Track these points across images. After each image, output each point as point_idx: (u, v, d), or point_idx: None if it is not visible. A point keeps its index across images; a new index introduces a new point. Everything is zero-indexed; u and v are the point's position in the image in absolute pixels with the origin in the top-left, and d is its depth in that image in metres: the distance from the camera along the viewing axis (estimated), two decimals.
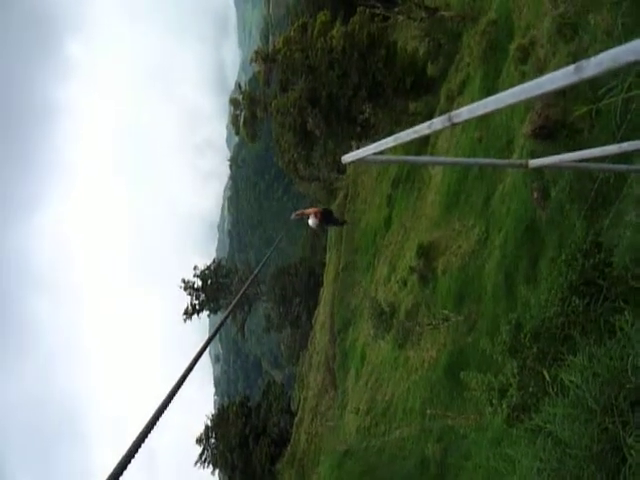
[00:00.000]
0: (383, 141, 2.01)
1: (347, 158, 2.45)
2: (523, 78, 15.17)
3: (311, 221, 19.43)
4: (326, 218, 20.65)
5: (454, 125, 1.61)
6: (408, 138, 1.86)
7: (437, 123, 1.69)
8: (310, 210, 20.00)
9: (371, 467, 19.14)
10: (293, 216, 20.58)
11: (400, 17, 31.45)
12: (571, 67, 1.08)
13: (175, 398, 3.41)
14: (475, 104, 1.47)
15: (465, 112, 1.54)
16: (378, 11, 30.63)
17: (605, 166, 3.87)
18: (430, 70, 28.20)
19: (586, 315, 5.81)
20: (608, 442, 4.10)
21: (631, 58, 0.96)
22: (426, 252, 20.30)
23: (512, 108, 14.92)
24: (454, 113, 1.57)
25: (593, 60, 1.02)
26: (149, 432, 2.84)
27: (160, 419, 3.04)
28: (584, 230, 8.79)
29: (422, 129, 1.76)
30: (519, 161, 2.94)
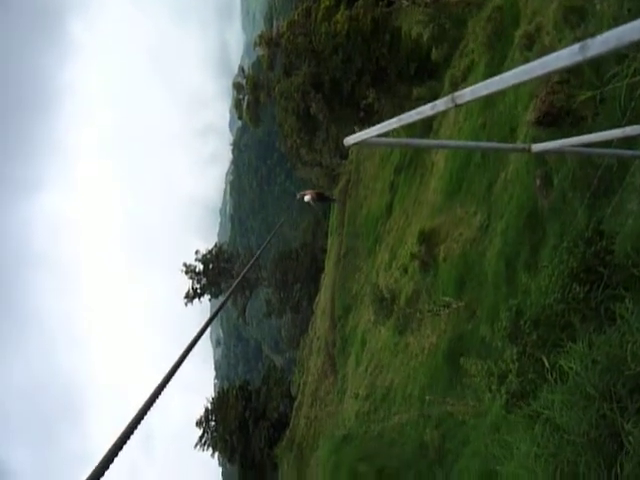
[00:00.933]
0: (386, 122, 2.01)
1: (350, 140, 2.44)
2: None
3: (307, 197, 28.84)
4: (320, 197, 31.24)
5: (457, 106, 1.60)
6: (411, 120, 1.85)
7: (440, 104, 1.68)
8: (309, 191, 29.61)
9: (370, 452, 19.25)
10: (298, 196, 29.87)
11: (404, 2, 31.18)
12: (576, 46, 1.07)
13: (172, 380, 3.43)
14: (478, 84, 1.45)
15: (468, 93, 1.53)
16: None
17: (609, 151, 3.85)
18: (434, 56, 28.00)
19: (586, 302, 5.81)
20: (606, 428, 4.12)
21: (636, 36, 0.95)
22: (427, 239, 20.27)
23: (516, 95, 14.83)
24: (457, 94, 1.56)
25: (599, 38, 1.01)
26: (145, 414, 2.86)
27: (157, 400, 3.06)
28: (586, 218, 8.77)
29: (425, 110, 1.75)
30: (522, 145, 2.93)
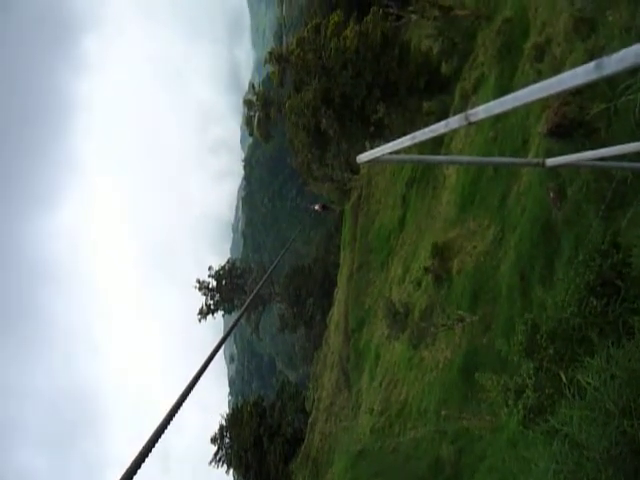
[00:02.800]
0: (399, 140, 2.00)
1: (362, 158, 2.43)
2: (539, 76, 15.06)
3: (317, 207, 46.98)
4: (324, 208, 47.60)
5: (471, 124, 1.59)
6: (424, 137, 1.84)
7: (453, 122, 1.67)
8: (318, 203, 45.20)
9: (385, 467, 19.08)
10: (311, 207, 44.98)
11: (414, 16, 31.33)
12: (591, 64, 1.05)
13: (189, 397, 3.43)
14: (492, 102, 1.44)
15: (482, 111, 1.51)
16: (391, 10, 30.55)
17: (625, 164, 3.80)
18: (444, 69, 28.06)
19: (604, 316, 5.74)
20: (627, 445, 4.04)
21: None
22: (440, 252, 20.19)
23: (527, 106, 14.80)
24: (471, 112, 1.55)
25: (615, 56, 0.99)
26: (163, 430, 2.85)
27: (174, 417, 3.06)
28: (601, 230, 8.69)
29: (438, 128, 1.74)
30: (536, 160, 2.90)
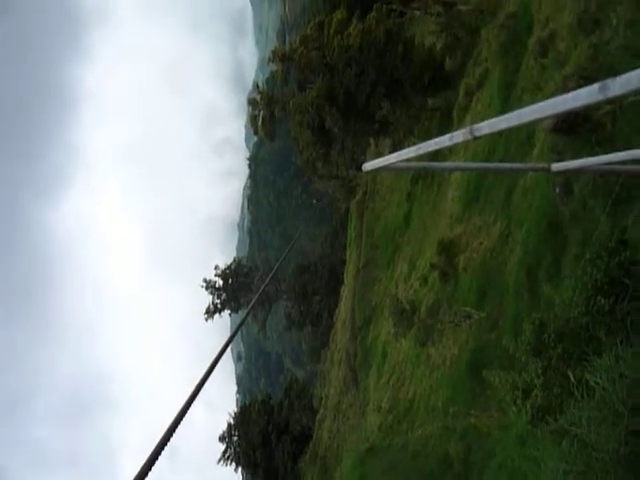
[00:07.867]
0: (404, 151, 2.00)
1: (367, 167, 2.44)
2: (543, 71, 15.00)
3: (314, 201, 57.14)
4: (317, 200, 72.93)
5: (476, 139, 1.59)
6: (429, 149, 1.84)
7: (458, 135, 1.67)
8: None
9: (393, 465, 19.10)
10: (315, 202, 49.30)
11: (417, 12, 31.27)
12: (595, 86, 1.05)
13: (198, 397, 3.46)
14: (496, 119, 1.45)
15: (486, 126, 1.51)
16: (394, 7, 30.49)
17: (631, 168, 3.78)
18: (448, 65, 28.00)
19: (612, 315, 5.72)
20: (637, 445, 4.03)
21: None
22: (447, 249, 20.16)
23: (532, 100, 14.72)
24: (475, 126, 1.55)
25: (619, 79, 0.99)
26: (173, 431, 2.88)
27: (183, 418, 3.09)
28: (608, 226, 8.66)
29: (443, 141, 1.75)
30: (541, 165, 2.89)
